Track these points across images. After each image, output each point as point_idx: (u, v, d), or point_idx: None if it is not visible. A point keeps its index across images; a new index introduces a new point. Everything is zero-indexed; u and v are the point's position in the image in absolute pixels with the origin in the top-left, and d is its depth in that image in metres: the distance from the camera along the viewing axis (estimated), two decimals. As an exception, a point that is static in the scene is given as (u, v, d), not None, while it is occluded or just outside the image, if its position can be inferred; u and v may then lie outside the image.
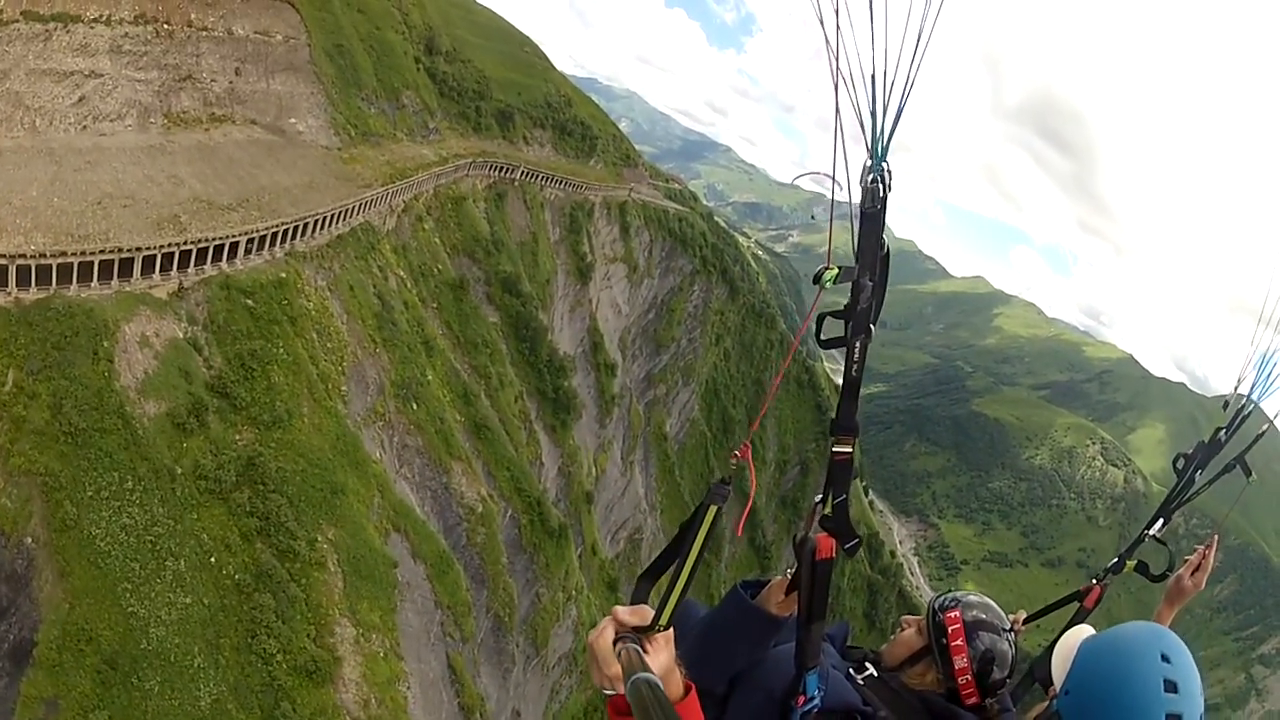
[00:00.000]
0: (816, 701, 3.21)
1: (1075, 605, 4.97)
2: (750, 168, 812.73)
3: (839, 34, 2.40)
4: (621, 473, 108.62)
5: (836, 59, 2.44)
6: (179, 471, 42.34)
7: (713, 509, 2.61)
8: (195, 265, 46.82)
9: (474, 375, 74.91)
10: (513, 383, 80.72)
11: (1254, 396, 4.77)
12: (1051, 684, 3.54)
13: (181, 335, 45.69)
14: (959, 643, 3.61)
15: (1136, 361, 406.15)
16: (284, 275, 52.96)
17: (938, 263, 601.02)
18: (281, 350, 50.65)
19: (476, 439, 71.70)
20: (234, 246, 49.10)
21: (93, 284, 43.59)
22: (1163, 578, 4.84)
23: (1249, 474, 4.89)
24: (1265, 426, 4.99)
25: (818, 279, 2.75)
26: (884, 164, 2.70)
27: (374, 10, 77.40)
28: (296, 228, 54.29)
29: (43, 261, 42.36)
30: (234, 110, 57.11)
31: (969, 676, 3.60)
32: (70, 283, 43.08)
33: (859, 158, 2.65)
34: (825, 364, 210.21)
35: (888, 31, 2.38)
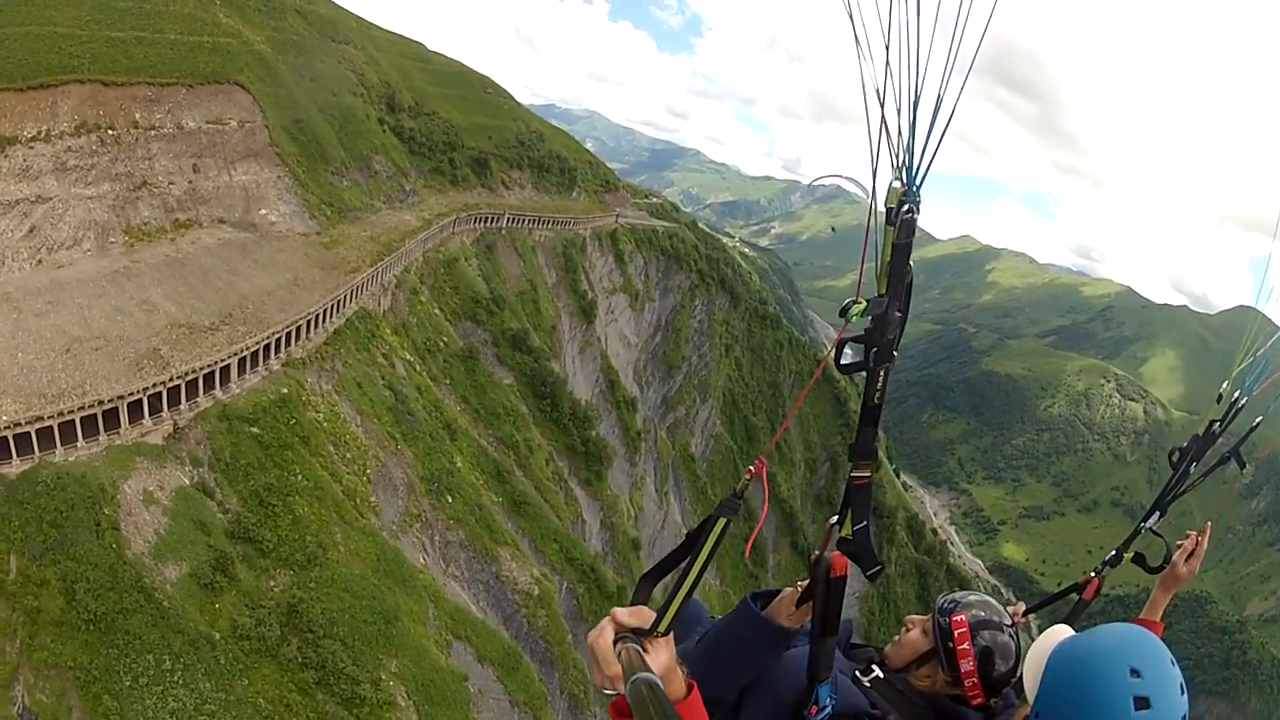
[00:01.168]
0: (829, 710, 3.28)
1: (1075, 597, 4.98)
2: (721, 167, 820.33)
3: (868, 51, 2.39)
4: (658, 505, 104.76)
5: (881, 80, 2.41)
6: (217, 637, 37.62)
7: (722, 521, 2.67)
8: (187, 400, 42.17)
9: (501, 448, 70.50)
10: (540, 446, 76.36)
11: (1246, 390, 4.79)
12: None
13: (188, 482, 41.05)
14: (965, 646, 3.65)
15: (1135, 292, 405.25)
16: (285, 391, 48.40)
17: (921, 228, 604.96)
18: (300, 477, 46.07)
19: (518, 516, 67.22)
20: (225, 371, 44.50)
21: (79, 444, 38.90)
22: (1160, 569, 4.80)
23: (1243, 466, 5.00)
24: (1259, 420, 4.92)
25: (844, 312, 2.76)
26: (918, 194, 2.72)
27: (327, 77, 73.17)
28: (289, 334, 49.73)
29: (19, 430, 37.69)
30: (198, 211, 52.66)
31: (975, 679, 3.63)
32: (54, 447, 38.40)
33: (885, 175, 2.64)
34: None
35: (930, 51, 2.36)
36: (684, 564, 2.67)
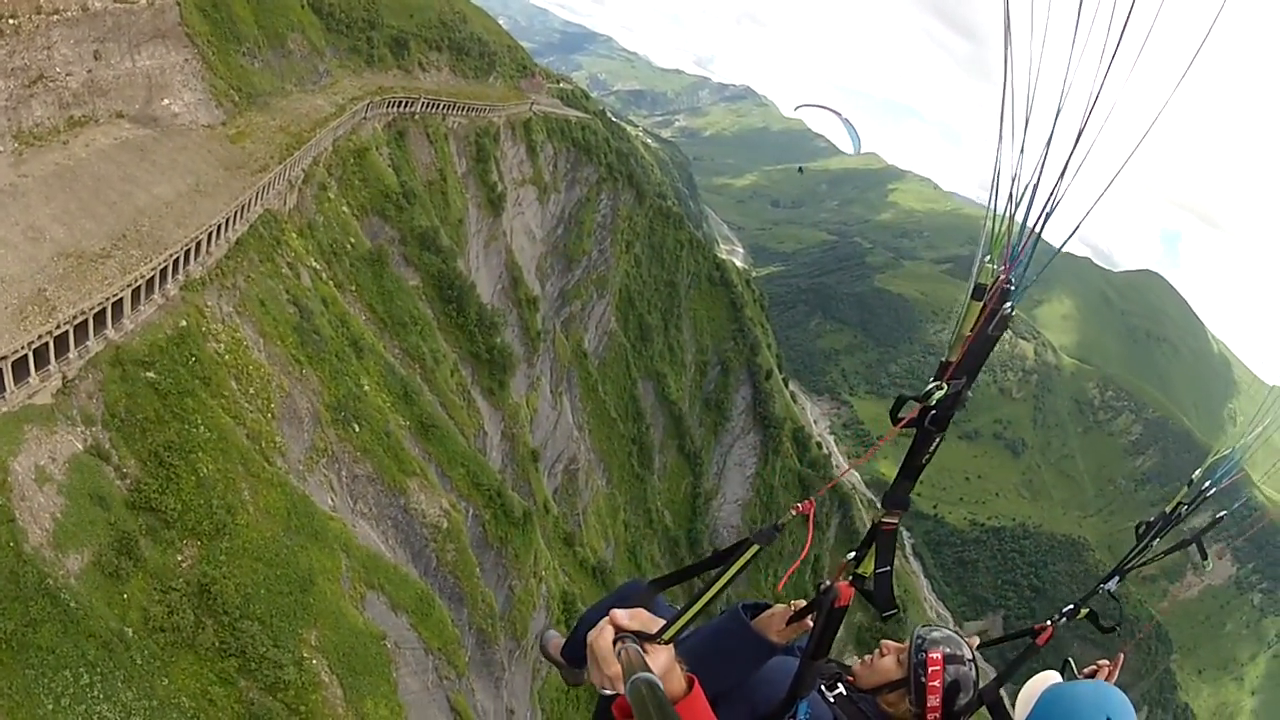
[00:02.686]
0: None
1: (1028, 640, 5.02)
2: (632, 55, 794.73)
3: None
4: (552, 406, 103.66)
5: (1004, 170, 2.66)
6: (130, 634, 33.70)
7: (753, 548, 2.83)
8: (76, 346, 35.66)
9: (408, 361, 66.15)
10: (446, 355, 72.36)
11: (1213, 482, 5.30)
12: (1000, 712, 4.01)
13: (81, 447, 35.41)
14: (936, 683, 3.83)
15: (1039, 237, 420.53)
16: (184, 323, 42.11)
17: (829, 140, 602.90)
18: (202, 428, 40.89)
19: (426, 440, 64.08)
20: (117, 306, 37.81)
21: (-57, 408, 32.32)
22: (1111, 630, 5.41)
23: (1204, 556, 5.63)
24: (1222, 514, 5.84)
25: (926, 397, 2.89)
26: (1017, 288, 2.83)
27: (249, -54, 60.34)
28: (187, 251, 42.87)
29: None
30: (95, 106, 43.04)
31: (938, 714, 3.83)
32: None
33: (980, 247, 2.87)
34: (733, 259, 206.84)
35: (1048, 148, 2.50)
36: (705, 580, 2.85)
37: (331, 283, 58.65)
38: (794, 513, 3.08)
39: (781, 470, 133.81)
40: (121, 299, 37.95)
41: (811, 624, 3.36)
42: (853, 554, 3.30)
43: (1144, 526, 5.27)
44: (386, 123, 70.48)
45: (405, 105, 73.08)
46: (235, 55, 55.22)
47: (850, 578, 3.29)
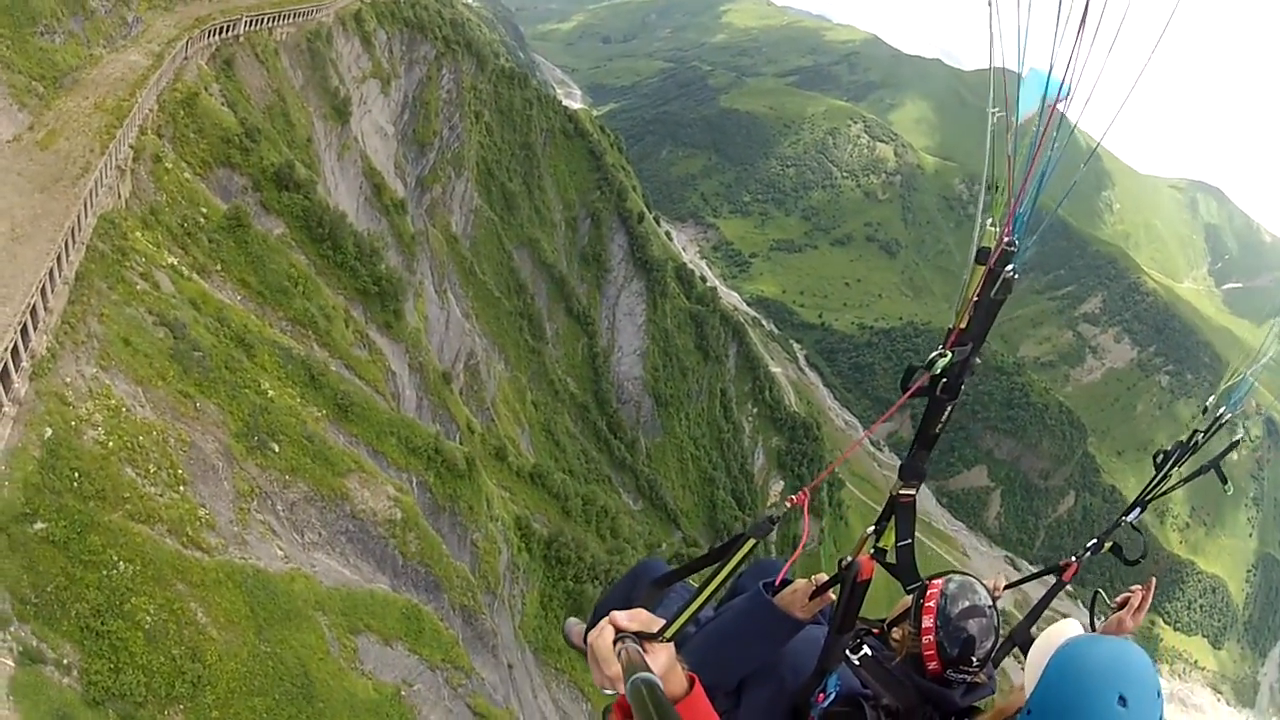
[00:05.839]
0: (834, 695, 3.53)
1: (1053, 577, 5.27)
2: None
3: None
4: (440, 307, 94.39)
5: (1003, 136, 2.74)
6: None
7: (750, 542, 2.84)
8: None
9: (301, 333, 55.67)
10: (336, 306, 61.72)
11: (1230, 407, 5.26)
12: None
13: (12, 662, 26.04)
14: (931, 604, 3.74)
15: (883, 41, 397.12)
16: (49, 430, 31.36)
17: None
18: (121, 564, 31.63)
19: (347, 423, 55.31)
20: (-39, 450, 27.03)
21: None
22: (1136, 563, 5.25)
23: (1225, 481, 5.36)
24: (1239, 436, 5.53)
25: (930, 365, 2.88)
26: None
27: None
28: (23, 326, 31.22)
29: None
30: None
31: (931, 637, 3.70)
32: None
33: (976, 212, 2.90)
34: (570, 102, 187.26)
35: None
36: (703, 576, 2.86)
37: (195, 273, 46.78)
38: (789, 505, 3.12)
39: (672, 312, 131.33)
40: (-38, 441, 27.02)
41: (834, 597, 3.42)
42: (872, 528, 3.38)
43: (1161, 456, 5.20)
44: (210, 55, 55.12)
45: (228, 30, 57.46)
46: (33, 39, 39.45)
47: (872, 551, 3.36)
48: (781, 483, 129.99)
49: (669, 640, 2.32)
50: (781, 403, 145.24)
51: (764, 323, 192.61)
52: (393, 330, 71.39)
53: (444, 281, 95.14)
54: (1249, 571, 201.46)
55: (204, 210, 48.28)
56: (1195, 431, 5.15)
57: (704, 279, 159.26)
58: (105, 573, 30.76)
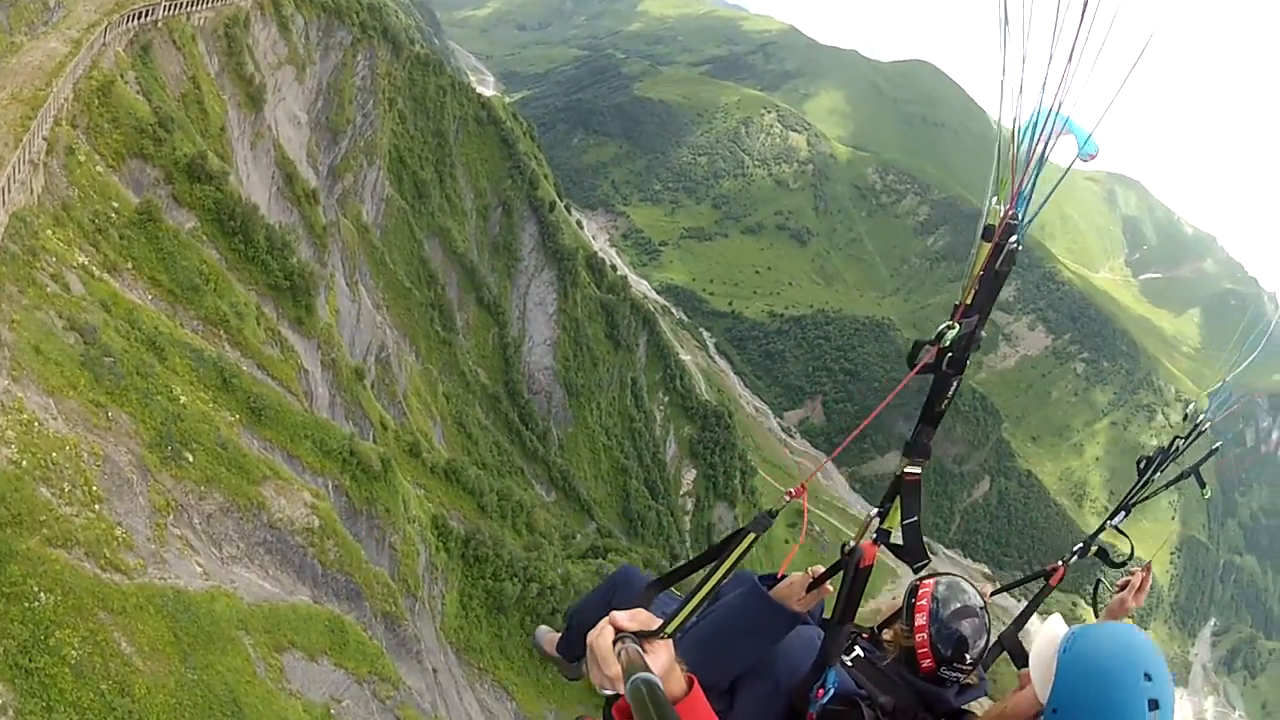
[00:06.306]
0: (832, 692, 3.48)
1: (1041, 581, 5.58)
2: None
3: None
4: (351, 300, 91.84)
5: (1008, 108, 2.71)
6: None
7: (750, 537, 2.87)
8: None
9: (211, 333, 53.25)
10: (247, 303, 59.34)
11: (1209, 417, 5.49)
12: (1021, 656, 4.03)
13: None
14: (924, 603, 3.85)
15: (800, 31, 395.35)
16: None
17: None
18: (41, 595, 29.38)
19: (261, 428, 53.17)
20: None
21: None
22: (1121, 565, 5.45)
23: (1203, 486, 5.72)
24: (1218, 444, 5.78)
25: (940, 338, 2.91)
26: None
27: None
28: (-75, 345, 29.07)
29: None
30: None
31: (925, 635, 3.79)
32: None
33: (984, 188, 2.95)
34: (483, 88, 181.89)
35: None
36: (702, 572, 2.88)
37: (106, 272, 44.17)
38: (787, 499, 3.13)
39: (583, 301, 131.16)
40: None
41: (832, 589, 3.42)
42: (876, 510, 3.30)
43: (1144, 461, 5.43)
44: (128, 41, 51.75)
45: (146, 15, 54.02)
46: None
47: (875, 536, 3.29)
48: (694, 471, 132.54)
49: (669, 637, 2.37)
50: (693, 391, 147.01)
51: (674, 311, 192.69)
52: (305, 326, 68.94)
53: (355, 273, 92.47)
54: (1173, 554, 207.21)
55: (115, 205, 45.48)
56: (1176, 438, 5.43)
57: (614, 267, 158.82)
58: (28, 605, 28.88)
